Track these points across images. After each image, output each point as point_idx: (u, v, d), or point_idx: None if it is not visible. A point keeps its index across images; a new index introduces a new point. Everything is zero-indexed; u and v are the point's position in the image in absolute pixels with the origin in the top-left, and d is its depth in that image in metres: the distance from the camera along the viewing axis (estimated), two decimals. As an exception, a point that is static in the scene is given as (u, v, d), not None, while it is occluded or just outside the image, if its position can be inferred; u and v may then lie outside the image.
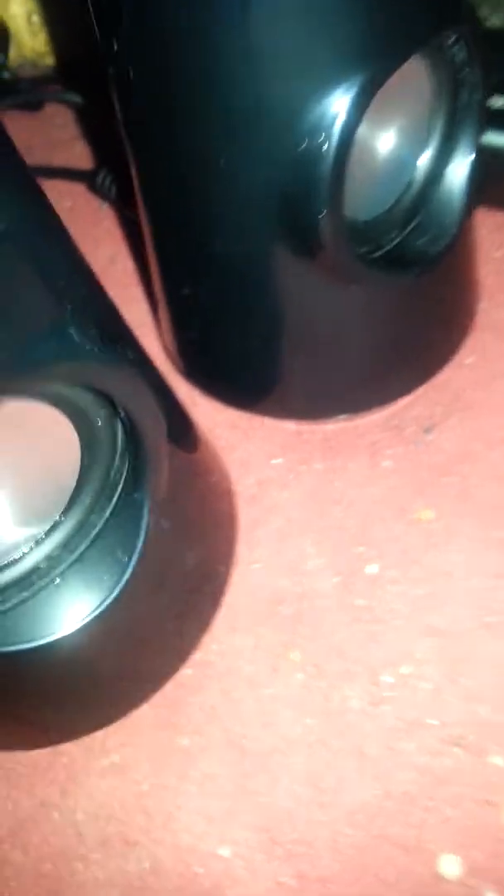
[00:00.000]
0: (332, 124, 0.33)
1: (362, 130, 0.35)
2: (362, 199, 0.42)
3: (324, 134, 0.34)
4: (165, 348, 0.51)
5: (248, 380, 0.47)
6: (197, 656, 0.41)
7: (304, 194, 0.36)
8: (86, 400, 0.31)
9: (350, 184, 0.36)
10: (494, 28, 0.55)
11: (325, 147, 0.34)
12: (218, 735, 0.39)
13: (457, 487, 0.45)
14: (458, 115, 0.41)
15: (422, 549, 0.43)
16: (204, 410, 0.48)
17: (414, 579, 0.42)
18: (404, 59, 0.34)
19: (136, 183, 0.42)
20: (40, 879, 0.36)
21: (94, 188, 0.54)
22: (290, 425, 0.48)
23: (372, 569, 0.43)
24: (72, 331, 0.26)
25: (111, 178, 0.53)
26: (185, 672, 0.40)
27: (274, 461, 0.46)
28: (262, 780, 0.38)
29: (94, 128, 0.66)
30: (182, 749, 0.39)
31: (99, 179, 0.52)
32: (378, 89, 0.33)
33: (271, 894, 0.35)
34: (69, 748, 0.39)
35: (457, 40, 0.37)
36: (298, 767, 0.38)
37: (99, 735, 0.39)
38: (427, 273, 0.42)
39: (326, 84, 0.33)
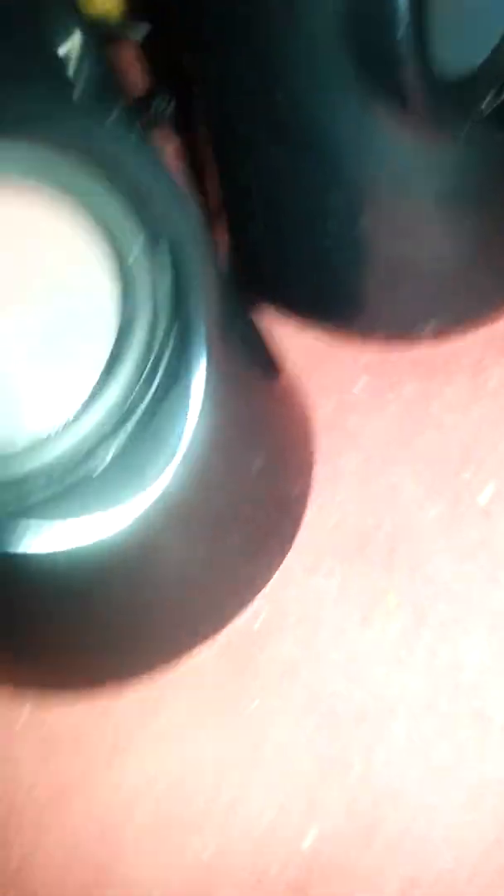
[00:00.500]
0: None
1: None
2: (451, 43, 0.35)
3: None
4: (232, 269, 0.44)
5: (322, 289, 0.40)
6: (269, 603, 0.33)
7: (381, 28, 0.29)
8: (117, 218, 0.24)
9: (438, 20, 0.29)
10: None
11: None
12: (296, 696, 0.30)
13: None
14: None
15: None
16: (278, 339, 0.42)
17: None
18: None
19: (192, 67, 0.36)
20: (80, 858, 0.28)
21: (150, 112, 0.49)
22: (374, 349, 0.40)
23: (485, 496, 0.34)
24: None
25: (167, 100, 0.48)
26: (255, 620, 0.32)
27: (356, 386, 0.38)
28: (354, 751, 0.29)
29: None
30: (251, 712, 0.30)
31: (155, 104, 0.47)
32: None
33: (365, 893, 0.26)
34: (119, 707, 0.31)
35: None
36: (400, 736, 0.29)
37: (154, 692, 0.31)
38: None
39: None
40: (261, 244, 0.41)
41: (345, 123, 0.33)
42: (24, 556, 0.26)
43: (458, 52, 0.35)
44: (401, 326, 0.41)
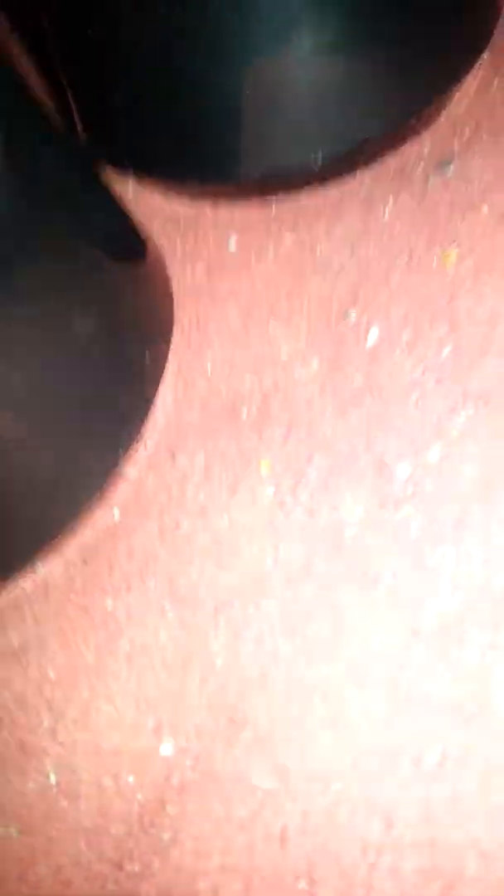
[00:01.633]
0: None
1: None
2: None
3: None
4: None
5: (186, 132, 0.35)
6: (127, 491, 0.28)
7: None
8: None
9: None
10: None
11: None
12: (155, 588, 0.26)
13: (491, 219, 0.31)
14: None
15: (445, 300, 0.29)
16: (141, 207, 0.37)
17: (437, 339, 0.28)
18: None
19: None
20: None
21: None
22: (251, 206, 0.35)
23: (372, 336, 0.29)
24: None
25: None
26: (112, 513, 0.28)
27: (228, 245, 0.34)
28: (218, 639, 0.24)
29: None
30: (106, 614, 0.26)
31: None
32: None
33: (240, 804, 0.21)
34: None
35: None
36: (271, 613, 0.24)
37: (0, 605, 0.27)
38: None
39: None
40: (113, 108, 0.37)
41: None
42: None
43: None
44: (273, 167, 0.36)
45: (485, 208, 0.33)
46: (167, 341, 0.33)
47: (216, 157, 0.37)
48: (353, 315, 0.32)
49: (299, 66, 0.34)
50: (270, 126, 0.36)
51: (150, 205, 0.39)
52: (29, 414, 0.28)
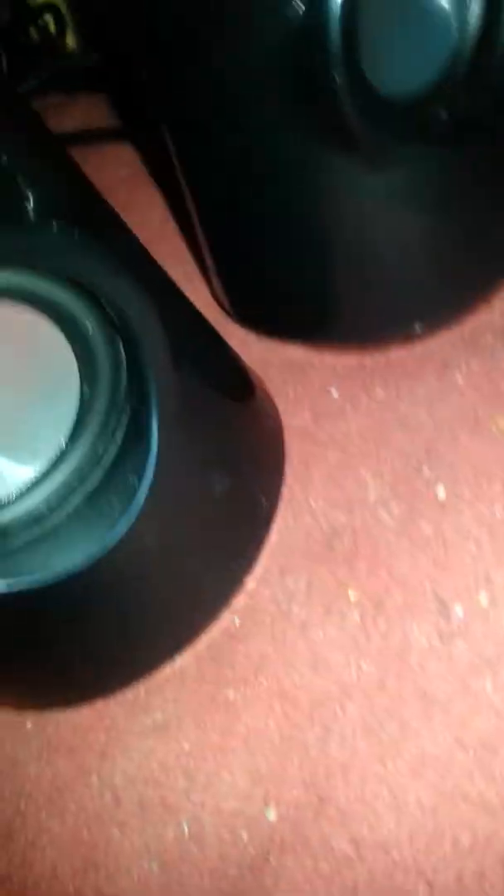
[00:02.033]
0: None
1: None
2: (397, 65, 0.38)
3: None
4: (217, 299, 0.50)
5: (297, 307, 0.45)
6: (245, 601, 0.38)
7: (315, 61, 0.33)
8: (72, 304, 0.30)
9: (375, 46, 0.33)
10: None
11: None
12: (266, 685, 0.35)
13: None
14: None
15: (500, 464, 0.37)
16: (257, 351, 0.47)
17: (491, 497, 0.37)
18: None
19: (156, 108, 0.41)
20: (77, 847, 0.35)
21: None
22: (350, 356, 0.44)
23: (440, 491, 0.37)
24: (28, 206, 0.26)
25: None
26: (233, 619, 0.37)
27: (331, 392, 0.43)
28: (313, 731, 0.34)
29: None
30: (228, 702, 0.36)
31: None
32: None
33: (324, 862, 0.30)
34: (112, 708, 0.38)
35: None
36: (354, 717, 0.33)
37: (142, 692, 0.37)
38: (491, 151, 0.38)
39: None
40: (236, 268, 0.46)
41: (301, 158, 0.38)
42: (12, 595, 0.32)
43: (401, 79, 0.39)
44: (372, 335, 0.45)
45: (539, 383, 0.41)
46: (280, 479, 0.43)
47: (333, 326, 0.45)
48: (426, 471, 0.40)
49: (406, 249, 0.42)
50: (382, 301, 0.44)
51: (268, 349, 0.48)
52: (178, 542, 0.37)
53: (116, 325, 0.32)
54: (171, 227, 0.57)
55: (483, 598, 0.35)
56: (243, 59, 0.36)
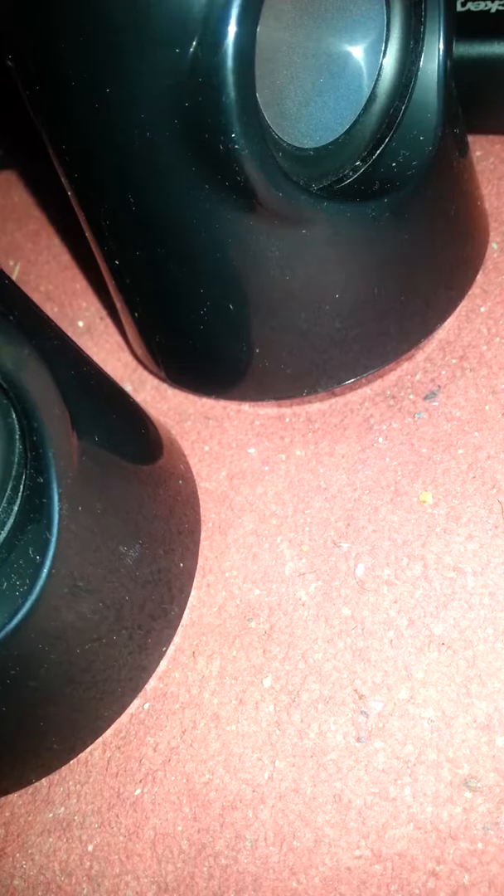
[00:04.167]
0: (225, 12, 0.27)
1: (286, 34, 0.29)
2: (307, 122, 0.35)
3: (218, 34, 0.28)
4: (133, 352, 0.45)
5: (213, 362, 0.41)
6: (156, 684, 0.34)
7: (209, 115, 0.29)
8: None
9: (282, 103, 0.30)
10: None
11: (223, 50, 0.28)
12: (175, 782, 0.32)
13: (464, 462, 0.36)
14: (420, 12, 0.34)
15: (421, 542, 0.35)
16: (174, 400, 0.43)
17: (412, 579, 0.34)
18: None
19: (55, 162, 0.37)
20: None
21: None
22: (269, 409, 0.41)
23: (360, 569, 0.35)
24: None
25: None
26: (143, 704, 0.34)
27: (249, 452, 0.39)
28: (224, 838, 0.31)
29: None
30: (135, 800, 0.32)
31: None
32: None
33: None
34: (12, 799, 0.34)
35: None
36: (266, 822, 0.30)
37: (44, 783, 0.34)
38: (402, 205, 0.34)
39: None
40: (148, 322, 0.42)
41: (205, 214, 0.34)
42: None
43: (306, 133, 0.35)
44: (290, 392, 0.41)
45: (460, 451, 0.38)
46: (196, 545, 0.39)
47: (250, 383, 0.42)
48: (344, 546, 0.37)
49: (322, 305, 0.39)
50: (299, 358, 0.41)
51: (185, 399, 0.44)
52: (86, 622, 0.34)
53: (9, 394, 0.28)
54: (65, 262, 0.52)
55: (402, 693, 0.33)
56: (136, 100, 0.31)
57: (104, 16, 0.29)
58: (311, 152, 0.36)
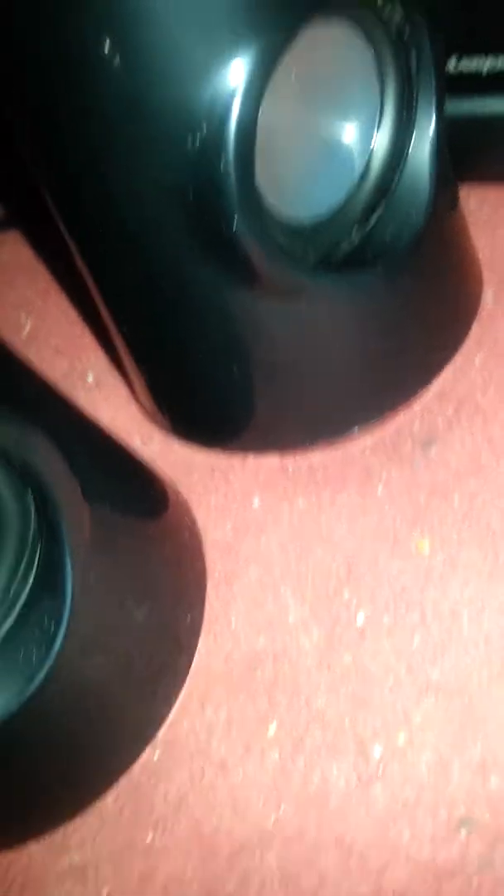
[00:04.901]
0: (227, 108, 0.29)
1: (283, 113, 0.33)
2: (303, 196, 0.38)
3: (219, 121, 0.30)
4: (141, 405, 0.48)
5: (217, 416, 0.43)
6: (165, 733, 0.36)
7: (211, 203, 0.32)
8: None
9: (279, 181, 0.33)
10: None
11: (225, 143, 0.30)
12: (185, 828, 0.34)
13: (460, 510, 0.38)
14: (412, 84, 0.36)
15: (419, 588, 0.37)
16: (180, 453, 0.45)
17: (411, 626, 0.36)
18: (302, 21, 0.30)
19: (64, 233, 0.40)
20: None
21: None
22: (273, 460, 0.43)
23: (360, 617, 0.37)
24: None
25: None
26: (154, 753, 0.36)
27: (253, 503, 0.41)
28: (232, 881, 0.32)
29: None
30: (147, 846, 0.34)
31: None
32: (276, 59, 0.30)
33: None
34: (30, 847, 0.36)
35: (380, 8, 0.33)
36: (272, 866, 0.32)
37: (60, 832, 0.36)
38: (397, 271, 0.37)
39: (213, 57, 0.29)
40: (158, 382, 0.45)
41: (206, 292, 0.37)
42: None
43: (304, 208, 0.38)
44: (293, 443, 0.43)
45: (456, 498, 0.40)
46: (202, 595, 0.41)
47: (254, 435, 0.44)
48: (346, 594, 0.39)
49: (324, 363, 0.41)
50: (301, 411, 0.43)
51: (191, 451, 0.47)
52: (100, 680, 0.36)
53: (20, 471, 0.31)
54: (73, 317, 0.55)
55: (401, 738, 0.34)
56: (140, 186, 0.34)
57: (107, 115, 0.32)
58: (308, 225, 0.38)
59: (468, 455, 0.41)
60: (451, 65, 0.47)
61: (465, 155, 0.45)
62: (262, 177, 0.33)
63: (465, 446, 0.41)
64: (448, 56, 0.45)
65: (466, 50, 0.45)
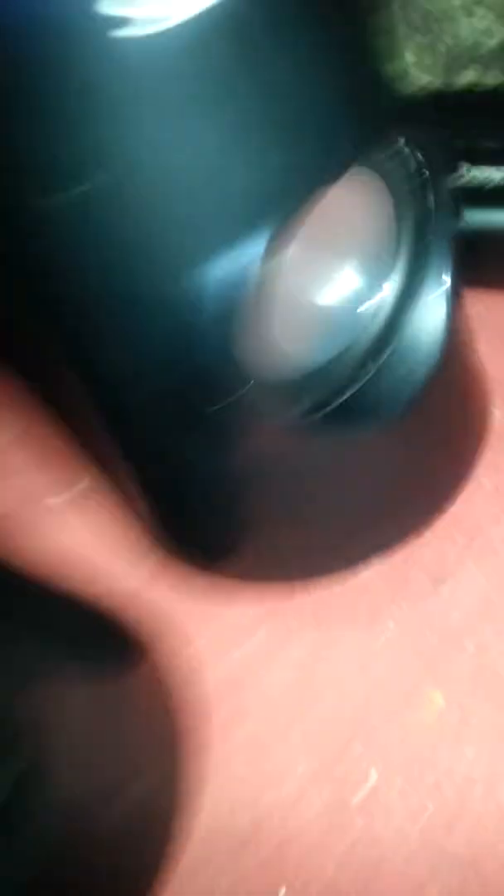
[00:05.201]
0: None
1: (286, 263, 0.30)
2: (300, 345, 0.36)
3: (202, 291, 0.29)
4: (137, 523, 0.46)
5: (217, 543, 0.42)
6: None
7: (197, 368, 0.31)
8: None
9: (276, 325, 0.32)
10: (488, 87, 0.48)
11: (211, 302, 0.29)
12: None
13: (474, 660, 0.37)
14: (425, 231, 0.35)
15: (432, 747, 0.36)
16: (180, 575, 0.44)
17: (425, 790, 0.35)
18: (300, 205, 0.28)
19: None
20: None
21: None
22: (275, 590, 0.42)
23: (373, 775, 0.35)
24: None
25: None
26: None
27: (251, 641, 0.40)
28: None
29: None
30: None
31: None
32: (276, 246, 0.28)
33: None
34: None
35: (396, 152, 0.31)
36: None
37: None
38: (401, 414, 0.36)
39: (202, 252, 0.28)
40: (156, 504, 0.43)
41: (201, 444, 0.35)
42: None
43: (302, 356, 0.37)
44: (297, 575, 0.42)
45: (469, 646, 0.39)
46: (182, 768, 0.39)
47: (257, 565, 0.43)
48: (357, 747, 0.38)
49: (325, 513, 0.40)
50: (308, 549, 0.42)
51: (189, 574, 0.45)
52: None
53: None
54: (67, 430, 0.53)
55: (415, 913, 0.33)
56: (127, 363, 0.33)
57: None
58: (303, 374, 0.37)
59: (480, 596, 0.40)
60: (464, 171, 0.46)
61: (476, 261, 0.44)
62: (256, 321, 0.32)
63: (477, 586, 0.40)
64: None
65: (474, 161, 0.44)
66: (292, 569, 0.43)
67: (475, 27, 0.45)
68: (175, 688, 0.39)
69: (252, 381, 0.32)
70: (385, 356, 0.37)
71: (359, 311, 0.36)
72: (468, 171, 0.45)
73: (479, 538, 0.41)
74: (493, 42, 0.45)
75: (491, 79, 0.47)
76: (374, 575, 0.42)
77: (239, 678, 0.41)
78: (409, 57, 0.46)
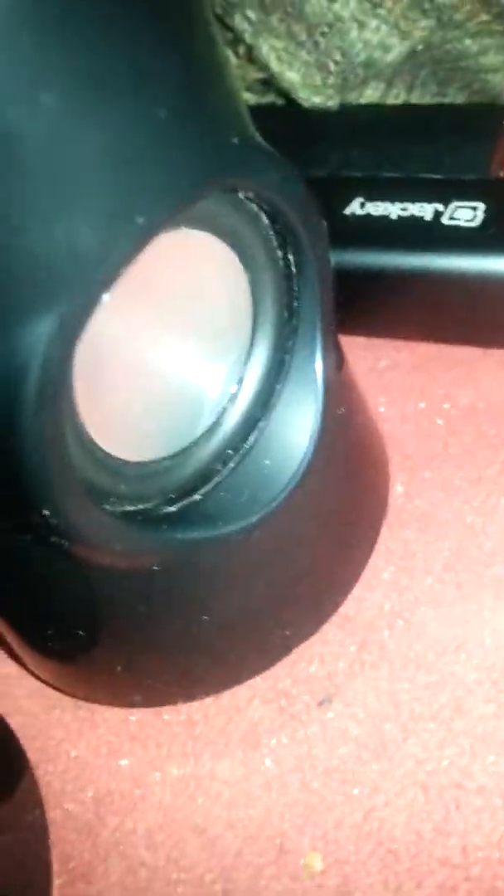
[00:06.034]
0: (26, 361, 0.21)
1: (122, 339, 0.26)
2: (142, 436, 0.30)
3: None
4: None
5: (73, 668, 0.36)
6: None
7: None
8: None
9: (109, 417, 0.27)
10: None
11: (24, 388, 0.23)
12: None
13: (358, 810, 0.31)
14: (289, 297, 0.29)
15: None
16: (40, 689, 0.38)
17: None
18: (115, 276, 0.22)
19: None
20: None
21: None
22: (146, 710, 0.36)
23: None
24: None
25: None
26: None
27: (121, 763, 0.35)
28: None
29: None
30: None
31: None
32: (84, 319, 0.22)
33: None
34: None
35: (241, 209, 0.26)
36: None
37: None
38: (278, 511, 0.29)
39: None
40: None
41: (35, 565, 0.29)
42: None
43: (143, 449, 0.30)
44: (162, 700, 0.37)
45: (355, 791, 0.33)
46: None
47: (117, 692, 0.37)
48: None
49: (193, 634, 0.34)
50: (172, 675, 0.36)
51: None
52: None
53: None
54: None
55: None
56: None
57: None
58: (135, 471, 0.30)
59: (371, 723, 0.33)
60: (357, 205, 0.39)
61: (374, 311, 0.38)
62: (85, 412, 0.26)
63: (367, 709, 0.34)
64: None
65: (370, 196, 0.37)
66: (153, 700, 0.37)
67: (368, 40, 0.37)
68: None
69: (54, 494, 0.25)
70: (248, 445, 0.31)
71: (208, 396, 0.30)
72: (362, 206, 0.38)
73: (370, 644, 0.35)
74: (389, 57, 0.36)
75: (393, 97, 0.39)
76: (253, 689, 0.36)
77: (94, 822, 0.35)
78: (293, 76, 0.38)
